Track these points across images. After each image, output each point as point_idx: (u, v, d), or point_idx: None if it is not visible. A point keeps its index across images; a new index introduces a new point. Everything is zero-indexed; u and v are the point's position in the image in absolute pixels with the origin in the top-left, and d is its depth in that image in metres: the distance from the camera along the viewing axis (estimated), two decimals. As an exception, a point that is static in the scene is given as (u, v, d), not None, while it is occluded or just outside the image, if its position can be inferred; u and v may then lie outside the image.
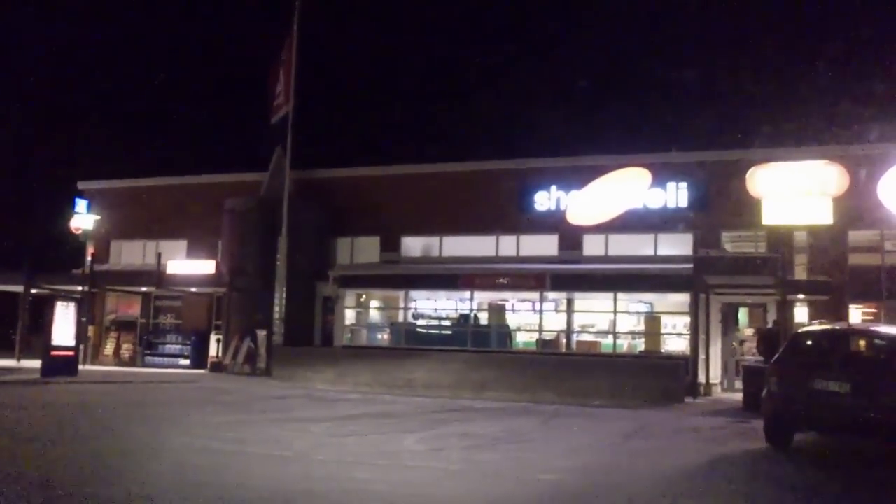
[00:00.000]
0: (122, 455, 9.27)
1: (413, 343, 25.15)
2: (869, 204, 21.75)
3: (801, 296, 22.51)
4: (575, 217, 25.43)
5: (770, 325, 20.86)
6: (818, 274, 22.43)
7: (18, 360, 27.26)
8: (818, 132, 22.52)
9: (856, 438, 11.05)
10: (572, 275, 24.21)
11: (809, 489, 8.63)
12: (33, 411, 13.85)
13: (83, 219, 28.98)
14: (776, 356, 12.23)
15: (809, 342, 12.24)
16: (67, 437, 10.58)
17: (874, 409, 9.93)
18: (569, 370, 20.71)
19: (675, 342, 23.35)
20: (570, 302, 24.82)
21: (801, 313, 22.82)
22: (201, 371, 26.82)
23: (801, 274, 22.94)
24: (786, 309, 20.81)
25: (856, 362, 11.16)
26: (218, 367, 26.86)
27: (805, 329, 13.75)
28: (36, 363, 21.92)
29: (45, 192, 46.22)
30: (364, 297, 27.99)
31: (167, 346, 29.01)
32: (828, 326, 13.35)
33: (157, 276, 28.04)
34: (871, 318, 22.09)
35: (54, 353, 21.21)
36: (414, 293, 26.58)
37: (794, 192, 22.13)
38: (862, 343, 11.84)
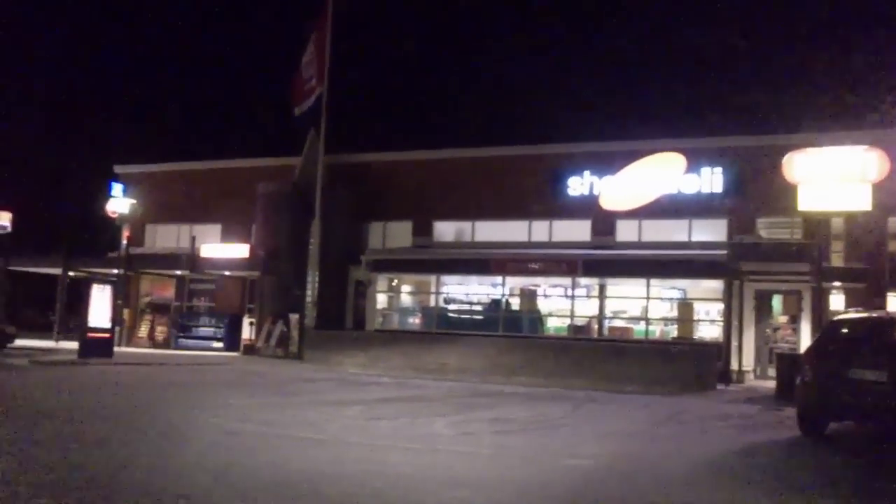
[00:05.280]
0: (156, 436, 9.40)
1: (444, 328, 25.23)
2: (910, 190, 21.24)
3: (836, 283, 22.17)
4: (608, 202, 25.25)
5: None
6: (854, 261, 22.09)
7: (57, 341, 27.80)
8: (858, 116, 22.00)
9: (892, 428, 10.88)
10: (605, 260, 24.08)
11: (844, 479, 8.52)
12: (71, 392, 14.14)
13: (119, 203, 29.32)
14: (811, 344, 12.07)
15: (845, 330, 12.06)
16: (102, 417, 10.75)
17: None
18: (600, 356, 20.68)
19: (708, 329, 23.17)
20: (602, 288, 24.72)
21: (836, 301, 22.48)
22: (234, 354, 27.12)
23: (836, 261, 22.59)
24: (821, 297, 20.49)
25: (893, 351, 10.97)
26: (251, 349, 27.14)
27: (840, 317, 13.52)
28: (73, 344, 22.30)
29: (81, 177, 46.85)
30: (396, 281, 28.08)
31: (201, 328, 29.33)
32: (864, 314, 13.12)
33: (191, 259, 28.37)
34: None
35: (91, 334, 21.54)
36: (446, 278, 26.60)
37: (832, 177, 21.66)
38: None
